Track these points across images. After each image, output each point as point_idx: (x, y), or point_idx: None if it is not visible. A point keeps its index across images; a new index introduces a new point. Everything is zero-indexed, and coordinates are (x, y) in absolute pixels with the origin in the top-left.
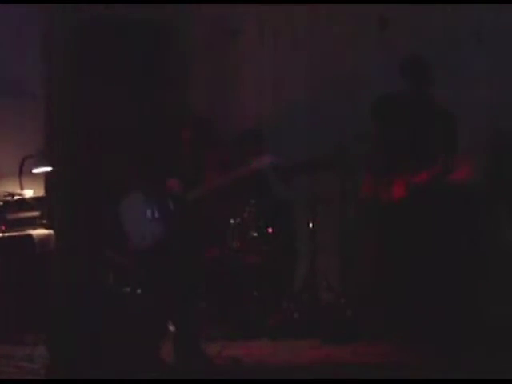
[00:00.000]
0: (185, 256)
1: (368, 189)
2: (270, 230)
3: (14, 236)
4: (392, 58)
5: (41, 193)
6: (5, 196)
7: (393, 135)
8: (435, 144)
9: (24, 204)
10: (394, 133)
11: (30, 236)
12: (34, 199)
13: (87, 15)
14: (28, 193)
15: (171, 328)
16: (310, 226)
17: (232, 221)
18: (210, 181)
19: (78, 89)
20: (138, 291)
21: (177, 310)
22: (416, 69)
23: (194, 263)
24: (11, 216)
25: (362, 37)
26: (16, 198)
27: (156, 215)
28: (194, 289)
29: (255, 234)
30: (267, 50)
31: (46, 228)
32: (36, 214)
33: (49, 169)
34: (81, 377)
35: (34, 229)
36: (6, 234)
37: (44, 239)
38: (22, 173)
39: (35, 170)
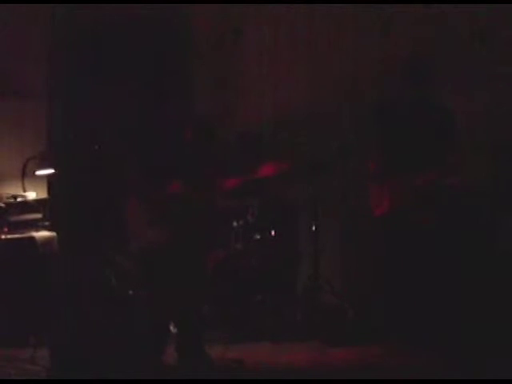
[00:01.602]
0: (187, 257)
1: (371, 192)
2: (273, 233)
3: (17, 238)
4: (393, 59)
5: (43, 195)
6: (8, 198)
7: (394, 138)
8: (437, 146)
9: (27, 206)
10: (396, 136)
11: (32, 238)
12: (37, 201)
13: (88, 15)
14: (31, 195)
15: (173, 329)
16: (313, 228)
17: (235, 223)
18: (216, 185)
19: (81, 90)
20: (141, 293)
21: (179, 311)
22: (417, 71)
23: (196, 264)
24: (14, 218)
25: (363, 38)
26: (19, 199)
27: (158, 217)
28: (197, 290)
29: (258, 237)
30: (268, 52)
31: (49, 230)
32: (38, 215)
33: (51, 171)
34: (82, 378)
35: (37, 231)
36: (9, 236)
37: (46, 241)
38: (25, 175)
39: (38, 172)
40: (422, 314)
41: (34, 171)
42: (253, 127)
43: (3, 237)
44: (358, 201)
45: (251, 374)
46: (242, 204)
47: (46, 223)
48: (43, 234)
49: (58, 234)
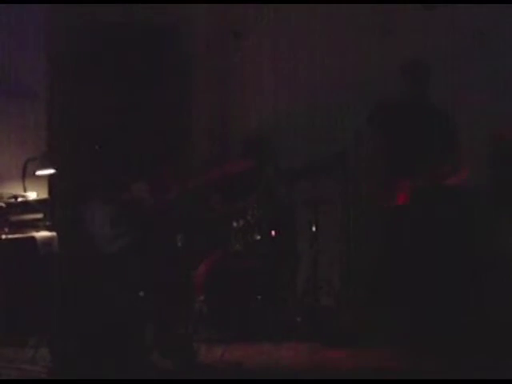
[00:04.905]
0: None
1: (370, 193)
2: (273, 234)
3: (17, 238)
4: (393, 61)
5: (44, 195)
6: (8, 198)
7: (393, 139)
8: (436, 147)
9: (27, 206)
10: (394, 137)
11: (32, 238)
12: (37, 201)
13: (89, 15)
14: (31, 195)
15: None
16: (313, 229)
17: (235, 224)
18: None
19: (81, 90)
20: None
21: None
22: (416, 72)
23: (162, 265)
24: (14, 218)
25: (362, 40)
26: (19, 200)
27: (122, 220)
28: (171, 290)
29: (258, 238)
30: (268, 53)
31: (49, 230)
32: (39, 216)
33: (52, 171)
34: (83, 378)
35: (37, 231)
36: (9, 236)
37: (47, 241)
38: (26, 175)
39: (38, 173)
40: (422, 314)
41: (35, 171)
42: (253, 128)
43: (4, 237)
44: (358, 201)
45: (251, 375)
46: (242, 205)
47: (47, 223)
48: (43, 233)
49: (58, 234)
